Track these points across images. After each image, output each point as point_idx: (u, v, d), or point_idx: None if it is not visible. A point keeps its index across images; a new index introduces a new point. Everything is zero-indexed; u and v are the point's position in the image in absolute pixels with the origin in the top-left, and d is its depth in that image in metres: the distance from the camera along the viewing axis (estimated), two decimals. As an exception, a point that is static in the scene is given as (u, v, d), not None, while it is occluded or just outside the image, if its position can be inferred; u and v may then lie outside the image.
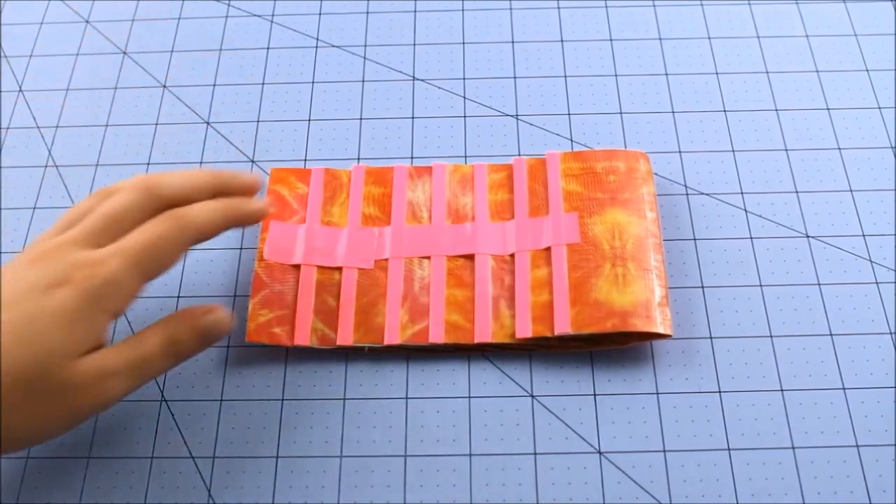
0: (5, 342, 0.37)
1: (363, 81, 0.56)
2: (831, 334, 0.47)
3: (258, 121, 0.55)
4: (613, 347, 0.46)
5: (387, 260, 0.49)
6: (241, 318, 0.48)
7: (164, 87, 0.57)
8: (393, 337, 0.46)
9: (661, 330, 0.45)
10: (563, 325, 0.46)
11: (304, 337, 0.46)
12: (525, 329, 0.46)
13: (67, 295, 0.38)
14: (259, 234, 0.50)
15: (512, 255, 0.48)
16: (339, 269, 0.49)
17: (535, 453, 0.44)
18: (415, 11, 0.60)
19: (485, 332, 0.46)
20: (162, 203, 0.42)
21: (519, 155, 0.53)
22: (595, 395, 0.45)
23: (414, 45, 0.58)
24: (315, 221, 0.50)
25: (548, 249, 0.48)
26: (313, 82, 0.57)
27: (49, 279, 0.39)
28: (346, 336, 0.46)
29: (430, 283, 0.48)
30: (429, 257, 0.49)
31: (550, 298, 0.47)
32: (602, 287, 0.46)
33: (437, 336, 0.46)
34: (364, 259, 0.49)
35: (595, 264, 0.47)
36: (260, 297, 0.47)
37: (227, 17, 0.60)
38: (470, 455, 0.44)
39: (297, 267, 0.49)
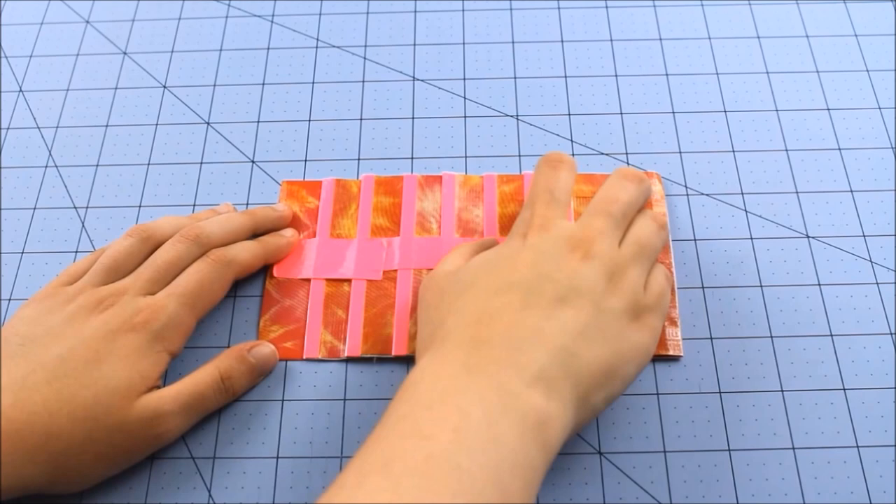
0: (70, 385, 0.40)
1: (363, 82, 0.56)
2: (831, 334, 0.47)
3: (258, 121, 0.55)
4: None
5: (396, 271, 0.49)
6: (244, 319, 0.48)
7: (164, 87, 0.57)
8: (401, 348, 0.46)
9: (670, 352, 0.46)
10: None
11: (313, 350, 0.47)
12: None
13: (132, 338, 0.42)
14: None
15: None
16: (349, 280, 0.49)
17: (536, 453, 0.44)
18: (415, 11, 0.59)
19: None
20: (210, 249, 0.46)
21: (519, 156, 0.53)
22: (595, 395, 0.45)
23: (414, 45, 0.58)
24: (325, 235, 0.50)
25: None
26: (313, 82, 0.57)
27: (115, 325, 0.42)
28: (354, 348, 0.46)
29: None
30: None
31: None
32: None
33: None
34: (373, 270, 0.49)
35: None
36: (270, 314, 0.48)
37: (227, 17, 0.60)
38: (470, 455, 0.44)
39: (306, 280, 0.49)
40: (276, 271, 0.49)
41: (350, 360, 0.47)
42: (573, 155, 0.53)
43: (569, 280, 0.39)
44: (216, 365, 0.44)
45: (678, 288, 0.48)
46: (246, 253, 0.47)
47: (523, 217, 0.44)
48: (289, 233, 0.49)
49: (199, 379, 0.44)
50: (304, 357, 0.46)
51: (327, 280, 0.49)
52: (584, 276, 0.40)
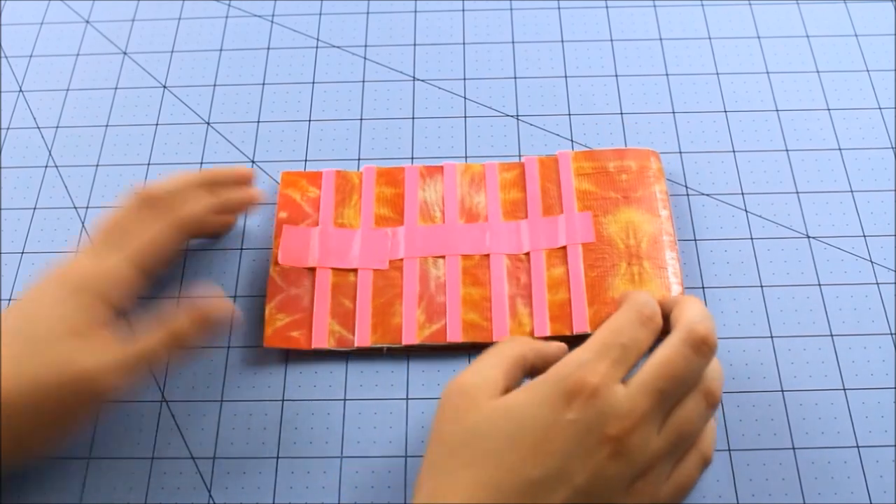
0: (14, 354, 0.39)
1: (363, 81, 0.56)
2: (831, 334, 0.47)
3: (258, 121, 0.55)
4: None
5: (402, 260, 0.49)
6: (244, 320, 0.48)
7: (164, 87, 0.57)
8: (411, 337, 0.46)
9: None
10: (582, 325, 0.46)
11: (321, 340, 0.46)
12: (543, 328, 0.46)
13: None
14: (273, 238, 0.50)
15: (527, 254, 0.49)
16: (355, 270, 0.49)
17: (536, 453, 0.44)
18: (415, 11, 0.60)
19: (502, 330, 0.46)
20: (157, 206, 0.45)
21: (520, 155, 0.53)
22: (595, 395, 0.45)
23: (414, 45, 0.58)
24: (328, 224, 0.50)
25: (563, 248, 0.49)
26: (313, 82, 0.57)
27: (66, 291, 0.42)
28: (363, 338, 0.46)
29: (446, 282, 0.48)
30: (443, 257, 0.49)
31: (567, 297, 0.47)
32: (619, 286, 0.47)
33: (455, 335, 0.46)
34: (379, 260, 0.49)
35: (611, 263, 0.48)
36: (276, 302, 0.48)
37: (227, 17, 0.60)
38: (470, 455, 0.44)
39: (311, 270, 0.49)
40: (280, 258, 0.49)
41: (351, 357, 0.47)
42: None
43: (586, 484, 0.36)
44: (164, 319, 0.43)
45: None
46: (194, 204, 0.46)
47: (581, 360, 0.37)
48: (253, 190, 0.48)
49: (149, 333, 0.42)
50: (312, 347, 0.46)
51: (333, 270, 0.49)
52: (604, 480, 0.36)
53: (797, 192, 0.51)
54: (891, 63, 0.56)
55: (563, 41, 0.58)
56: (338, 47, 0.58)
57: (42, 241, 0.51)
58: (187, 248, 0.51)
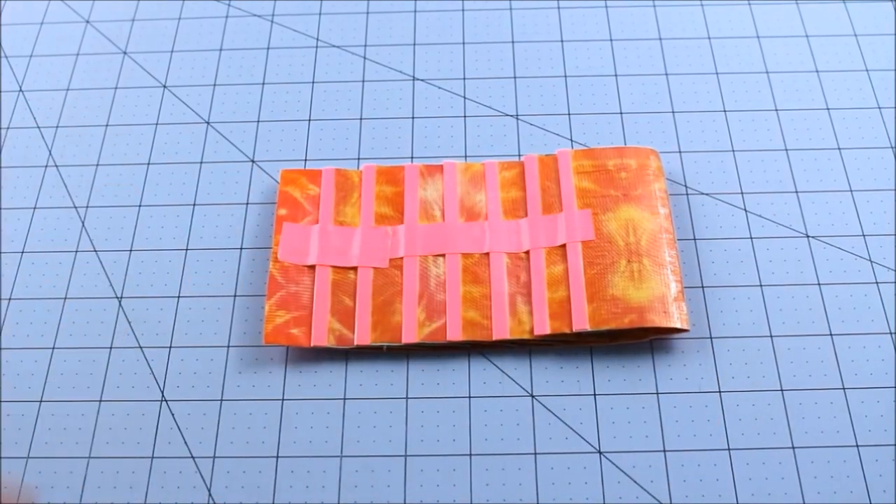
0: None
1: (363, 81, 0.56)
2: (831, 334, 0.47)
3: (258, 121, 0.55)
4: (630, 342, 0.47)
5: (402, 258, 0.49)
6: (244, 319, 0.48)
7: (164, 87, 0.57)
8: (410, 335, 0.46)
9: (677, 325, 0.45)
10: (581, 322, 0.46)
11: (321, 337, 0.46)
12: (543, 326, 0.46)
13: None
14: (272, 235, 0.50)
15: (527, 252, 0.49)
16: (355, 268, 0.49)
17: (535, 453, 0.44)
18: (415, 11, 0.60)
19: (502, 328, 0.46)
20: None
21: (519, 155, 0.53)
22: (595, 395, 0.46)
23: (414, 45, 0.58)
24: (328, 222, 0.50)
25: (563, 246, 0.49)
26: (313, 82, 0.57)
27: None
28: (363, 336, 0.46)
29: (446, 280, 0.48)
30: (443, 255, 0.49)
31: (567, 295, 0.47)
32: (618, 283, 0.47)
33: (455, 333, 0.46)
34: (379, 258, 0.49)
35: (610, 260, 0.48)
36: (276, 299, 0.48)
37: (227, 17, 0.60)
38: (470, 455, 0.44)
39: (311, 267, 0.49)
40: (280, 254, 0.49)
41: (351, 357, 0.47)
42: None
43: None
44: None
45: (678, 288, 0.48)
46: None
47: None
48: None
49: None
50: (312, 345, 0.46)
51: (333, 267, 0.49)
52: None
53: (797, 192, 0.51)
54: (891, 63, 0.56)
55: (562, 41, 0.58)
56: (338, 47, 0.58)
57: (42, 241, 0.51)
58: (187, 248, 0.51)
